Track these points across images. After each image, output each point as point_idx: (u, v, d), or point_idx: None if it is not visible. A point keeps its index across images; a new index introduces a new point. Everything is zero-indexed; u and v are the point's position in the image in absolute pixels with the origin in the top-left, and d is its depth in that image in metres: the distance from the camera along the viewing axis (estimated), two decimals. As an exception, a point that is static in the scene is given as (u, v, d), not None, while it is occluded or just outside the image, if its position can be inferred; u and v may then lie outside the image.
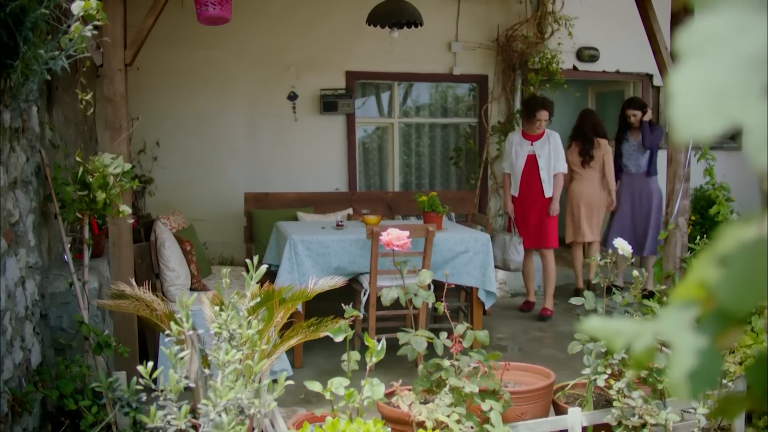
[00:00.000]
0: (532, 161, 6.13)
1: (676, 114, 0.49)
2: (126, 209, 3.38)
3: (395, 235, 3.11)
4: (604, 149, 6.56)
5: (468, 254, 5.03)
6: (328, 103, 7.10)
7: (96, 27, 2.77)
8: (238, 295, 2.55)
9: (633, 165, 6.70)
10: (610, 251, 3.41)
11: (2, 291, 2.67)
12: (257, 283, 2.61)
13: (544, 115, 6.10)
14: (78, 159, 3.30)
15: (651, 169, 6.73)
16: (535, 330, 5.93)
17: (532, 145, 6.15)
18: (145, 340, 4.39)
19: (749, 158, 0.46)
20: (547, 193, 6.10)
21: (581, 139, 6.62)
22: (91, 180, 3.26)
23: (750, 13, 0.49)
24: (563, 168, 6.19)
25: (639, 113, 6.61)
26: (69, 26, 2.71)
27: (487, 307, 5.24)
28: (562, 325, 6.00)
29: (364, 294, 4.85)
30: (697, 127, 0.48)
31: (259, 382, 2.42)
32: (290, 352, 4.51)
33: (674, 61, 4.04)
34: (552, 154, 6.11)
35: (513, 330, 5.94)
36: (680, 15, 4.50)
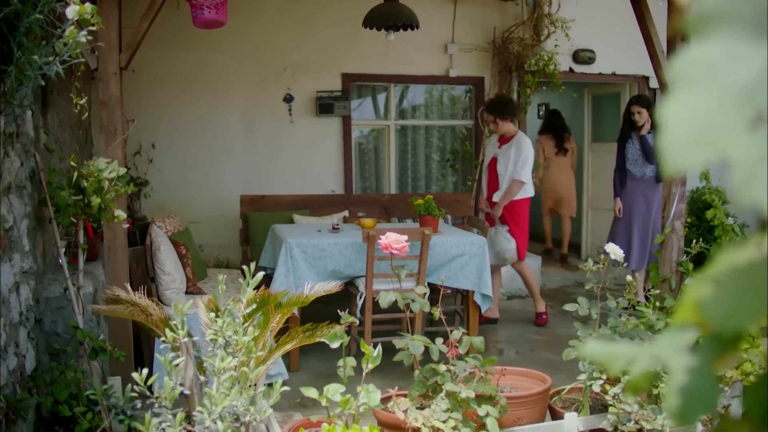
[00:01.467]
0: (493, 165, 6.02)
1: (665, 144, 0.48)
2: (121, 214, 3.37)
3: (394, 239, 3.11)
4: (573, 143, 8.51)
5: (464, 257, 5.03)
6: (324, 105, 7.09)
7: (91, 31, 2.76)
8: (234, 301, 2.54)
9: (638, 171, 6.14)
10: (602, 256, 3.40)
11: (-4, 297, 2.66)
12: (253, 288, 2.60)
13: (487, 117, 6.04)
14: (73, 163, 3.29)
15: (658, 175, 6.07)
16: (531, 333, 5.93)
17: (500, 148, 6.01)
18: (140, 344, 4.38)
19: (735, 191, 0.46)
20: (496, 199, 5.92)
21: (552, 133, 8.32)
22: (86, 184, 3.25)
23: (743, 41, 0.48)
24: (521, 176, 5.80)
25: (644, 111, 6.08)
26: (64, 31, 2.70)
27: (483, 311, 5.23)
28: (559, 327, 6.00)
29: (360, 297, 4.84)
30: (685, 159, 0.47)
31: (255, 386, 2.42)
32: (286, 356, 4.50)
33: (670, 64, 4.01)
34: (511, 161, 5.83)
35: (509, 333, 5.94)
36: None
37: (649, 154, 6.00)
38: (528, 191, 5.95)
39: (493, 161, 6.03)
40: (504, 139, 6.00)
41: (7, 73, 2.61)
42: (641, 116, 6.07)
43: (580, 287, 7.35)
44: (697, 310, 0.56)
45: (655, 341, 0.61)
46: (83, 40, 2.72)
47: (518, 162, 5.80)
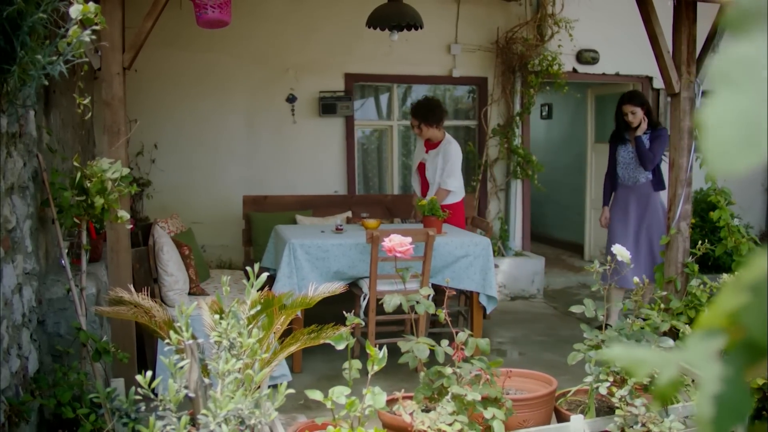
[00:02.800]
0: (422, 170, 5.91)
1: (707, 147, 0.46)
2: (124, 215, 3.35)
3: (398, 242, 3.09)
4: None
5: (468, 258, 5.00)
6: (327, 106, 7.07)
7: (94, 31, 2.74)
8: (238, 302, 2.52)
9: (629, 177, 5.50)
10: (608, 257, 3.38)
11: (-1, 299, 2.64)
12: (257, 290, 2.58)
13: (412, 121, 5.86)
14: (76, 164, 3.27)
15: (656, 183, 5.45)
16: (535, 334, 5.91)
17: (427, 153, 5.88)
18: (143, 345, 4.36)
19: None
20: None
21: None
22: (89, 185, 3.23)
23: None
24: (447, 185, 5.67)
25: (638, 110, 5.39)
26: (67, 30, 2.68)
27: (488, 312, 5.21)
28: (563, 329, 5.98)
29: (364, 299, 4.82)
30: (729, 162, 0.45)
31: (259, 389, 2.40)
32: (289, 357, 4.48)
33: (676, 65, 3.96)
34: (438, 169, 5.70)
35: (513, 334, 5.92)
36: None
37: (644, 158, 5.35)
38: (456, 197, 5.79)
39: (421, 166, 5.91)
40: (431, 145, 5.85)
41: (10, 72, 2.59)
42: (635, 116, 5.40)
43: (584, 288, 7.34)
44: (732, 318, 0.54)
45: (682, 347, 0.59)
46: (87, 39, 2.70)
47: (444, 170, 5.68)
